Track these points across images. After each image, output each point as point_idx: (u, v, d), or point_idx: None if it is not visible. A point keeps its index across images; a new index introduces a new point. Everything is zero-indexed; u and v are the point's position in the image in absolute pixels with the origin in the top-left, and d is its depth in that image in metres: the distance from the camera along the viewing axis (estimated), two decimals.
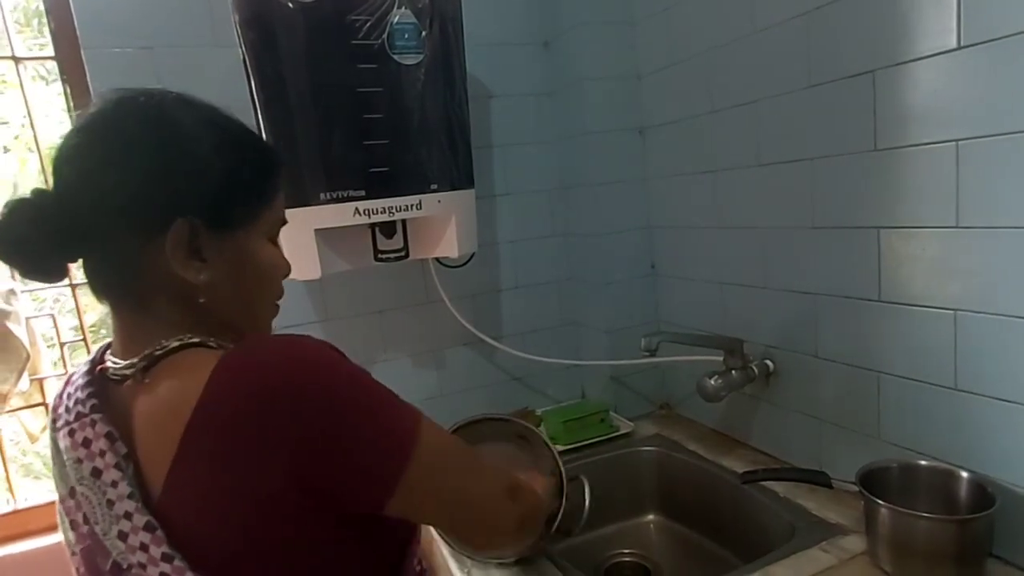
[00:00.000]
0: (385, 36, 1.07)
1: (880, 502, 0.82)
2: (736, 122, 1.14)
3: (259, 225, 0.60)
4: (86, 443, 0.53)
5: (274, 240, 0.64)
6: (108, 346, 0.60)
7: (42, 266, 0.54)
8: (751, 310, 1.18)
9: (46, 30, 1.20)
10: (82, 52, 1.11)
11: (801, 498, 1.03)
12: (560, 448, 1.31)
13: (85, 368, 0.59)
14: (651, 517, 1.30)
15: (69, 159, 0.53)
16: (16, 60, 1.17)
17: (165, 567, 0.49)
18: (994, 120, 0.76)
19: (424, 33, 1.11)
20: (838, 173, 0.96)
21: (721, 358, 1.16)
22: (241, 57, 1.07)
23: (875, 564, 0.85)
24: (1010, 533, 0.80)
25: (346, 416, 0.51)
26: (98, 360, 0.59)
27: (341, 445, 0.51)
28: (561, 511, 0.89)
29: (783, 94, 1.03)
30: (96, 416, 0.53)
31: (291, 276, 1.16)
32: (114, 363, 0.56)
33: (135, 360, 0.54)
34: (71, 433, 0.54)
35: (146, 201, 0.53)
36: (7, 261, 0.52)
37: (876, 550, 0.85)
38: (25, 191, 0.53)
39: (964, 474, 0.85)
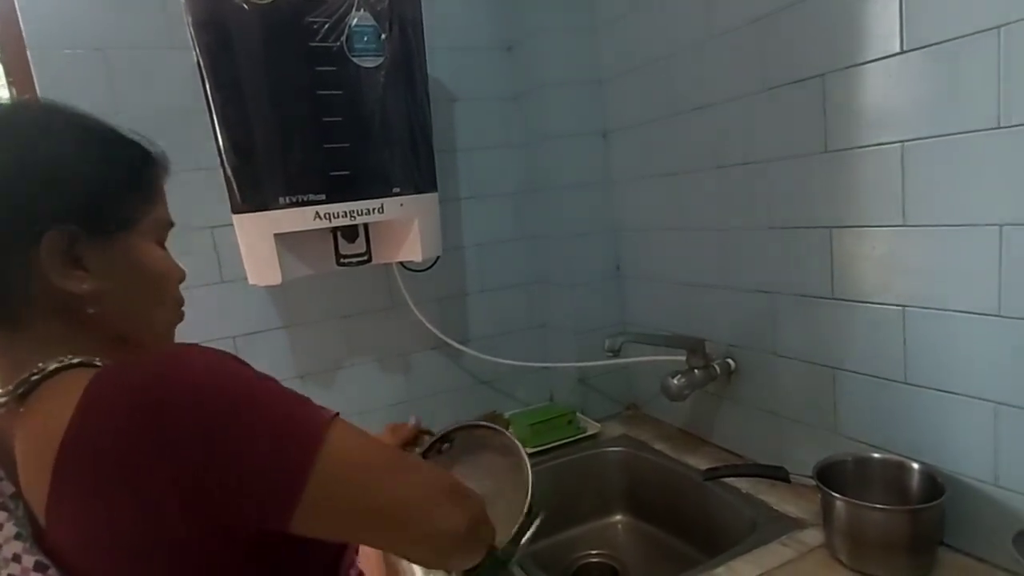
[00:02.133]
0: (344, 38, 1.06)
1: (836, 495, 0.84)
2: (695, 125, 1.16)
3: (141, 227, 0.56)
4: None
5: (162, 243, 0.59)
6: None
7: None
8: (713, 309, 1.20)
9: None
10: (28, 53, 1.08)
11: (763, 494, 1.05)
12: (529, 451, 1.30)
13: None
14: (619, 517, 1.31)
15: None
16: None
17: None
18: (936, 122, 0.78)
19: (384, 36, 1.10)
20: (791, 174, 0.98)
21: (684, 357, 1.18)
22: (196, 60, 1.05)
23: (833, 556, 0.87)
24: (959, 522, 0.83)
25: (229, 427, 0.45)
26: None
27: (225, 460, 0.44)
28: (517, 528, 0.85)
29: (739, 97, 1.05)
30: None
31: (253, 281, 1.15)
32: None
33: (10, 387, 0.49)
34: None
35: (7, 215, 0.48)
36: None
37: (833, 542, 0.87)
38: None
39: (915, 465, 0.87)
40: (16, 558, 0.47)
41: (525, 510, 0.84)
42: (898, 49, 0.81)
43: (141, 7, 1.14)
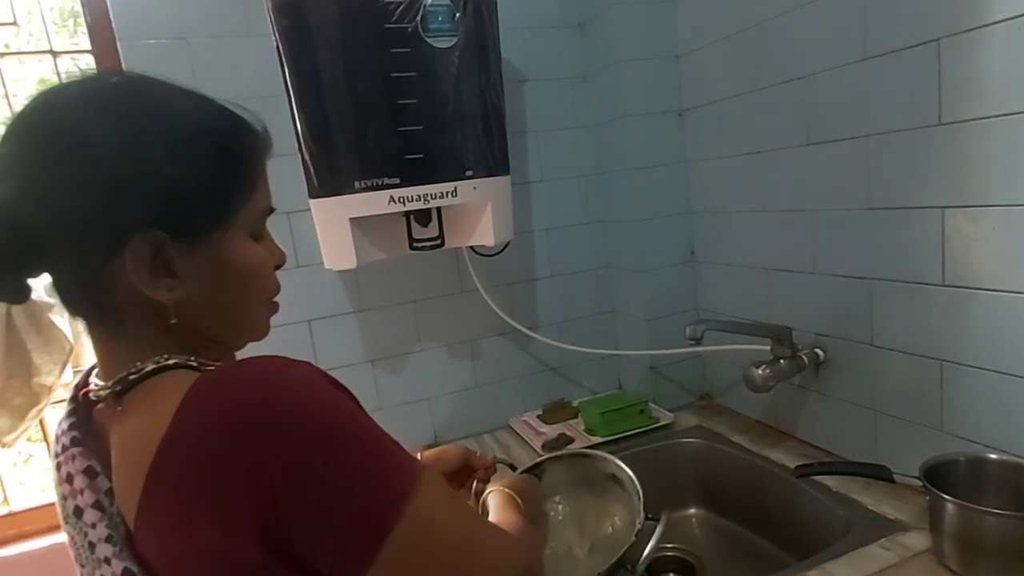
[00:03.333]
0: (418, 19, 1.04)
1: (947, 497, 0.77)
2: (783, 100, 1.09)
3: (237, 223, 0.51)
4: (69, 479, 0.50)
5: (259, 235, 0.55)
6: (94, 367, 0.54)
7: None
8: (799, 297, 1.13)
9: (80, 30, 1.20)
10: (118, 44, 1.11)
11: (855, 493, 0.98)
12: (598, 440, 1.28)
13: (70, 394, 0.54)
14: (693, 511, 1.27)
15: (4, 171, 0.46)
16: (54, 54, 1.18)
17: None
18: None
19: (458, 15, 1.08)
20: (897, 150, 0.91)
21: (768, 347, 1.12)
22: (275, 45, 1.06)
23: (940, 562, 0.80)
24: None
25: (319, 467, 0.42)
26: (82, 384, 0.54)
27: (310, 499, 0.42)
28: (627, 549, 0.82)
29: (835, 68, 0.98)
30: (75, 451, 0.50)
31: (329, 266, 1.16)
32: (96, 385, 0.51)
33: (109, 384, 0.49)
34: (58, 467, 0.51)
35: (90, 219, 0.45)
36: None
37: (942, 547, 0.80)
38: None
39: None
40: (107, 560, 0.47)
41: (642, 519, 0.82)
42: None
43: None
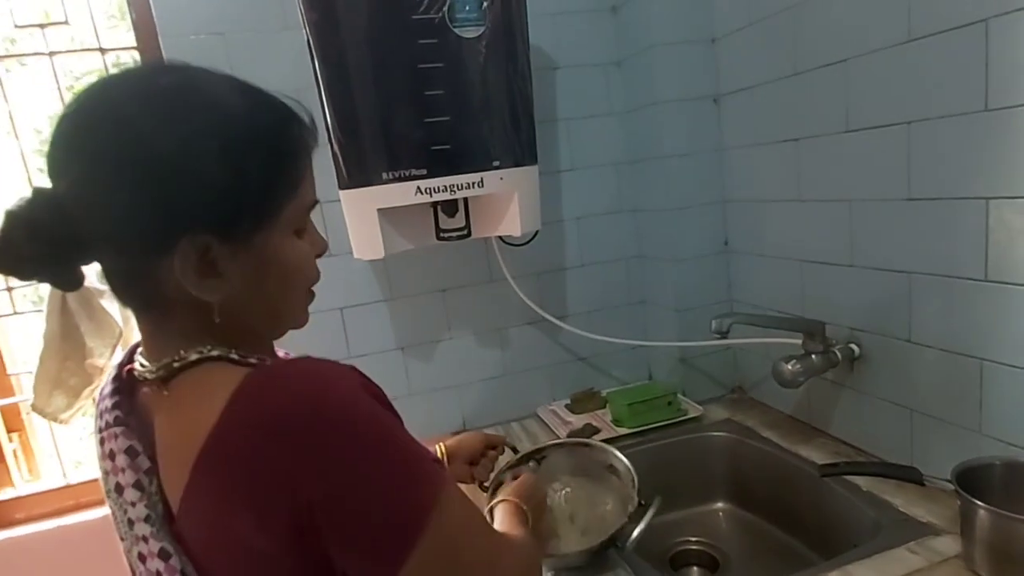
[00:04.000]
0: (446, 9, 1.04)
1: (979, 503, 0.74)
2: (822, 85, 1.05)
3: (282, 221, 0.52)
4: (112, 456, 0.52)
5: (302, 228, 0.55)
6: (139, 345, 0.56)
7: (46, 275, 0.49)
8: (834, 290, 1.10)
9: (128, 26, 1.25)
10: (160, 40, 1.16)
11: (887, 494, 0.95)
12: (625, 431, 1.28)
13: (113, 372, 0.57)
14: (720, 505, 1.25)
15: (60, 165, 0.47)
16: (102, 51, 1.24)
17: None
18: None
19: (485, 4, 1.07)
20: (940, 137, 0.86)
21: (800, 341, 1.09)
22: (306, 38, 1.08)
23: (970, 568, 0.77)
24: None
25: (361, 476, 0.45)
26: (126, 361, 0.56)
27: (348, 507, 0.45)
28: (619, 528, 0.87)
29: (876, 50, 0.93)
30: (118, 429, 0.52)
31: (357, 255, 1.19)
32: (141, 365, 0.53)
33: (155, 367, 0.51)
34: (101, 442, 0.53)
35: (143, 221, 0.46)
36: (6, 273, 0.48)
37: (972, 554, 0.77)
38: (25, 193, 0.47)
39: None
40: (144, 539, 0.49)
41: (635, 503, 0.85)
42: None
43: None
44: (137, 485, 0.50)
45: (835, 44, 1.00)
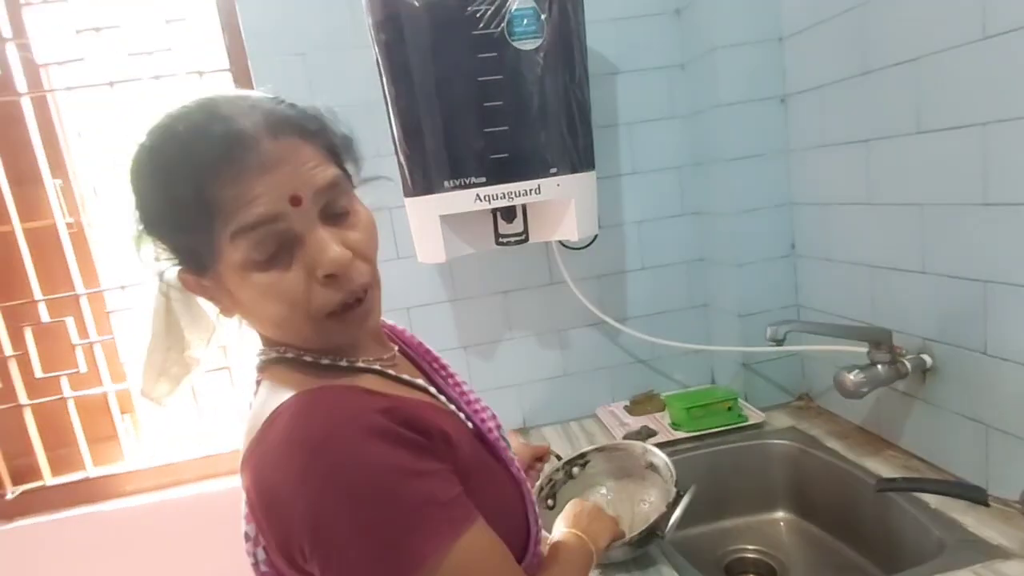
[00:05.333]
0: (504, 24, 1.08)
1: None
2: (893, 84, 1.00)
3: (223, 260, 0.51)
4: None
5: (266, 259, 0.50)
6: None
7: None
8: (905, 297, 1.05)
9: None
10: (248, 62, 1.27)
11: (957, 512, 0.91)
12: (682, 434, 1.28)
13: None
14: (781, 514, 1.22)
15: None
16: (200, 74, 1.37)
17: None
18: None
19: (544, 16, 1.11)
20: (1017, 139, 0.81)
21: (865, 350, 1.05)
22: (375, 56, 1.15)
23: None
24: None
25: (351, 521, 0.46)
26: None
27: (337, 555, 0.46)
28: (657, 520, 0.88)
29: (950, 48, 0.89)
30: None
31: (421, 259, 1.25)
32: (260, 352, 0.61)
33: (256, 360, 0.60)
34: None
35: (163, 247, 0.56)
36: None
37: None
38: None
39: None
40: (245, 517, 0.55)
41: (672, 494, 0.87)
42: None
43: (333, 13, 1.27)
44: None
45: (906, 42, 0.96)
